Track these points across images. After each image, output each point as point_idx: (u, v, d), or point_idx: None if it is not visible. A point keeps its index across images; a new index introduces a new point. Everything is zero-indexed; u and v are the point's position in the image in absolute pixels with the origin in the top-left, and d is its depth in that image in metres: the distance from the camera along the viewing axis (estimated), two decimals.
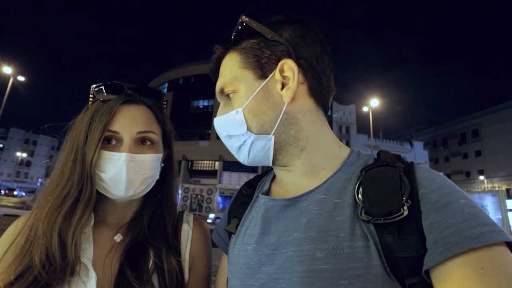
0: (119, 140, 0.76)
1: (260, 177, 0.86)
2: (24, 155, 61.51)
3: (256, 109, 0.66)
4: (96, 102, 0.78)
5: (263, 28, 0.67)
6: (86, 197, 0.72)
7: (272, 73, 0.66)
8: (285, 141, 0.67)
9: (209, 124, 31.96)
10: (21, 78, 17.12)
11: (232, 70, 0.68)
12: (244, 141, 0.67)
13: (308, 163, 0.68)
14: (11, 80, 16.21)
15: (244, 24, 0.68)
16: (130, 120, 0.77)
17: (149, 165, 0.78)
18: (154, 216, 0.84)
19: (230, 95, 0.69)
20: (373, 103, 19.54)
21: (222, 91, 0.70)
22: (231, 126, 0.68)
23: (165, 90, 36.26)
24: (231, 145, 0.71)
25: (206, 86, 31.79)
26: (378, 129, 42.64)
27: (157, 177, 0.81)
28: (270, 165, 0.71)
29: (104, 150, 0.74)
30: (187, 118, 32.18)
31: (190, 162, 31.88)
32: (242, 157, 0.71)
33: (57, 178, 0.75)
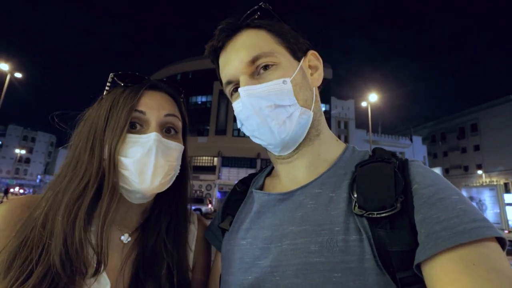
0: (145, 124, 0.71)
1: (255, 174, 0.86)
2: (23, 152, 61.33)
3: (300, 84, 0.66)
4: (115, 89, 0.74)
5: (285, 18, 0.71)
6: (110, 186, 0.65)
7: (303, 59, 0.71)
8: (313, 122, 0.68)
9: (208, 120, 31.87)
10: (18, 75, 16.99)
11: (268, 43, 0.67)
12: (291, 114, 0.64)
13: (315, 151, 0.69)
14: (8, 77, 16.09)
15: (265, 10, 0.69)
16: (157, 104, 0.74)
17: (175, 154, 0.74)
18: (171, 223, 0.79)
19: (269, 66, 0.65)
20: (372, 98, 19.51)
21: (255, 60, 0.65)
22: (278, 95, 0.63)
23: None
24: (276, 116, 0.63)
25: (204, 82, 31.63)
26: (376, 124, 42.67)
27: (178, 171, 0.77)
28: (296, 145, 0.68)
29: (128, 133, 0.68)
30: None
31: (189, 158, 31.78)
32: (284, 133, 0.64)
33: (73, 168, 0.68)
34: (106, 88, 0.76)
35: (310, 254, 0.55)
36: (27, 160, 65.83)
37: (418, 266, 0.47)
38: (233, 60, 0.66)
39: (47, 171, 65.99)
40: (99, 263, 0.62)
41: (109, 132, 0.67)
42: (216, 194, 26.11)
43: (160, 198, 0.80)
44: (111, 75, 0.75)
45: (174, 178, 0.75)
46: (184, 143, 0.82)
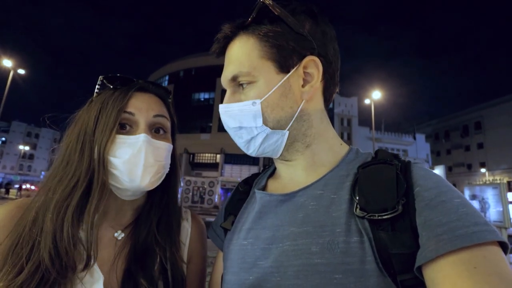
0: (134, 124, 0.73)
1: (257, 174, 0.85)
2: (27, 148, 61.78)
3: (275, 104, 0.63)
4: (104, 91, 0.76)
5: (288, 16, 0.62)
6: (100, 184, 0.67)
7: (295, 68, 0.64)
8: (294, 137, 0.67)
9: (211, 116, 31.91)
10: (21, 71, 17.06)
11: (250, 58, 0.63)
12: (257, 134, 0.65)
13: (310, 159, 0.68)
14: (11, 73, 16.17)
15: (265, 6, 0.63)
16: (146, 105, 0.75)
17: (164, 153, 0.76)
18: (162, 218, 0.81)
19: (244, 85, 0.65)
20: (375, 96, 19.43)
21: (234, 79, 0.65)
22: (245, 116, 0.64)
23: (166, 83, 36.04)
24: (241, 136, 0.67)
25: (207, 78, 31.65)
26: (379, 121, 42.50)
27: (168, 170, 0.79)
28: (277, 157, 0.70)
29: (118, 134, 0.70)
30: (188, 111, 32.13)
31: (191, 155, 31.94)
32: (251, 149, 0.67)
33: (63, 168, 0.70)
34: (96, 90, 0.78)
35: (311, 255, 0.55)
36: (31, 156, 66.29)
37: (419, 269, 0.47)
38: (223, 72, 0.68)
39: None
40: (88, 260, 0.64)
41: (98, 133, 0.69)
42: (218, 191, 26.19)
43: (150, 195, 0.82)
44: (101, 77, 0.77)
45: (163, 176, 0.78)
46: (174, 142, 0.84)
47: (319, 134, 0.69)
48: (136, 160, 0.69)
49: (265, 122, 0.63)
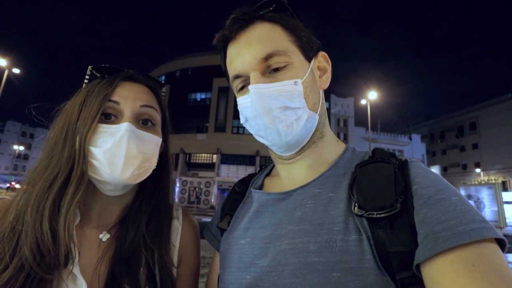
0: (119, 114, 0.69)
1: (254, 174, 0.85)
2: (21, 148, 61.21)
3: (311, 86, 0.66)
4: (92, 81, 0.73)
5: (300, 14, 0.69)
6: (78, 174, 0.63)
7: (313, 59, 0.69)
8: (318, 125, 0.68)
9: (207, 117, 31.80)
10: (16, 71, 16.90)
11: (282, 40, 0.64)
12: (300, 116, 0.62)
13: (318, 153, 0.69)
14: (6, 73, 16.01)
15: (281, 2, 0.67)
16: (133, 94, 0.71)
17: (151, 145, 0.71)
18: (152, 219, 0.76)
19: (281, 66, 0.63)
20: (371, 96, 19.52)
21: (268, 58, 0.62)
22: (289, 96, 0.61)
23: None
24: (284, 118, 0.61)
25: (204, 78, 31.52)
26: (375, 122, 42.64)
27: (155, 165, 0.74)
28: (299, 147, 0.67)
29: (101, 123, 0.66)
30: (184, 111, 31.98)
31: (187, 155, 31.83)
32: (292, 134, 0.63)
33: (46, 159, 0.67)
34: (85, 81, 0.75)
35: (309, 254, 0.54)
36: (26, 156, 65.67)
37: (418, 267, 0.47)
38: (244, 54, 0.63)
39: None
40: (67, 256, 0.61)
41: (81, 122, 0.66)
42: (215, 191, 26.13)
43: (139, 193, 0.78)
44: (90, 67, 0.74)
45: (150, 171, 0.73)
46: (165, 137, 0.80)
47: (327, 126, 0.72)
48: (117, 150, 0.65)
49: (306, 103, 0.64)
